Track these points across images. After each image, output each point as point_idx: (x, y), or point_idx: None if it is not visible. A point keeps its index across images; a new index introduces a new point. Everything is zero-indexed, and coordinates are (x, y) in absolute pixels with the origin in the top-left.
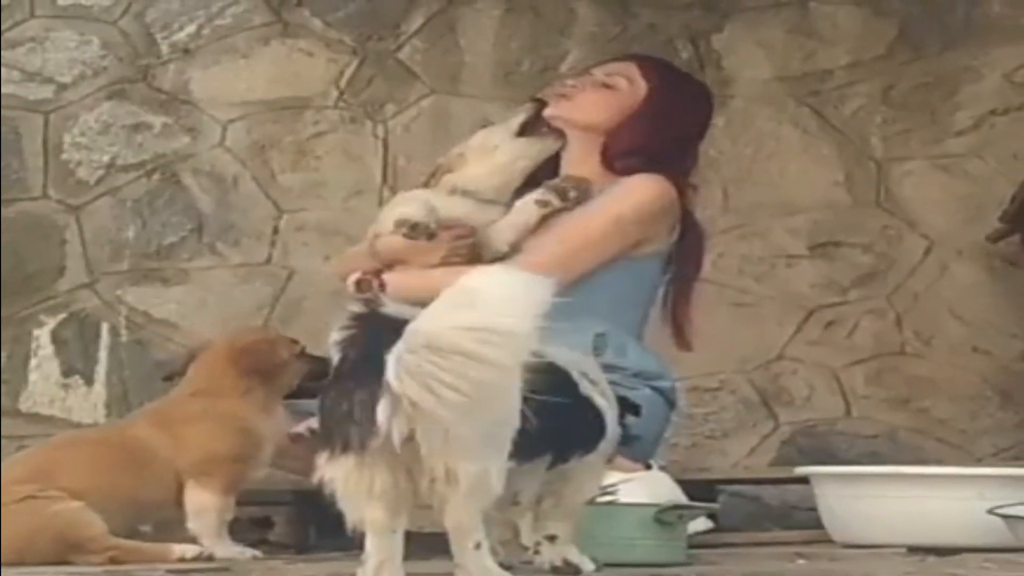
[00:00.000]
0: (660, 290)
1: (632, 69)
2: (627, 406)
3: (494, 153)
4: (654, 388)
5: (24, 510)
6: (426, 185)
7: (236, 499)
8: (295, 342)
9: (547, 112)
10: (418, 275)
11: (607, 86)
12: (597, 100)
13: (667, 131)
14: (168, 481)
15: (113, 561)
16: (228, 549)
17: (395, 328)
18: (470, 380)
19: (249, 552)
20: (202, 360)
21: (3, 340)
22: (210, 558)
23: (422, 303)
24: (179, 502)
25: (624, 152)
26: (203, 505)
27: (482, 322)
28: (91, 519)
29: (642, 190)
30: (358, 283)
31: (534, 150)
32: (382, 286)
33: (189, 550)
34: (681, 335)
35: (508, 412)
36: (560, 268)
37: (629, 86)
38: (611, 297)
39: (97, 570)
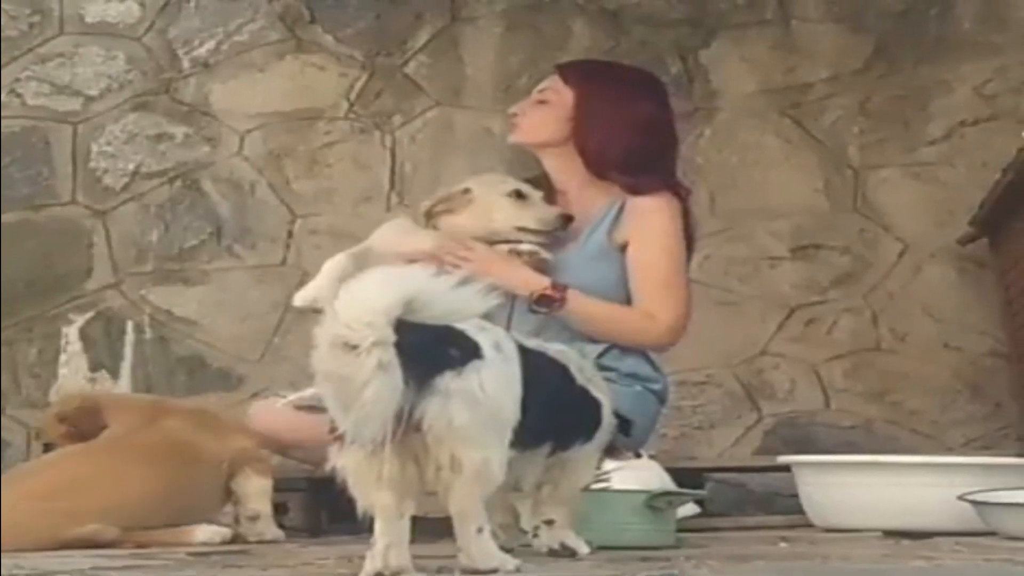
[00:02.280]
0: None
1: (556, 80)
2: (619, 420)
3: (495, 211)
4: (645, 388)
5: (43, 529)
6: (428, 213)
7: None
8: None
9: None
10: (597, 304)
11: (541, 102)
12: (536, 118)
13: (614, 126)
14: (215, 476)
15: (141, 546)
16: (275, 531)
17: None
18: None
19: (282, 534)
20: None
21: (34, 337)
22: (233, 540)
23: (593, 326)
24: (223, 496)
25: (597, 160)
26: (263, 488)
27: (325, 338)
28: (109, 531)
29: (667, 213)
30: (541, 297)
31: (532, 215)
32: (563, 301)
33: (217, 533)
34: None
35: (502, 404)
36: (684, 310)
37: (557, 97)
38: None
39: (122, 552)
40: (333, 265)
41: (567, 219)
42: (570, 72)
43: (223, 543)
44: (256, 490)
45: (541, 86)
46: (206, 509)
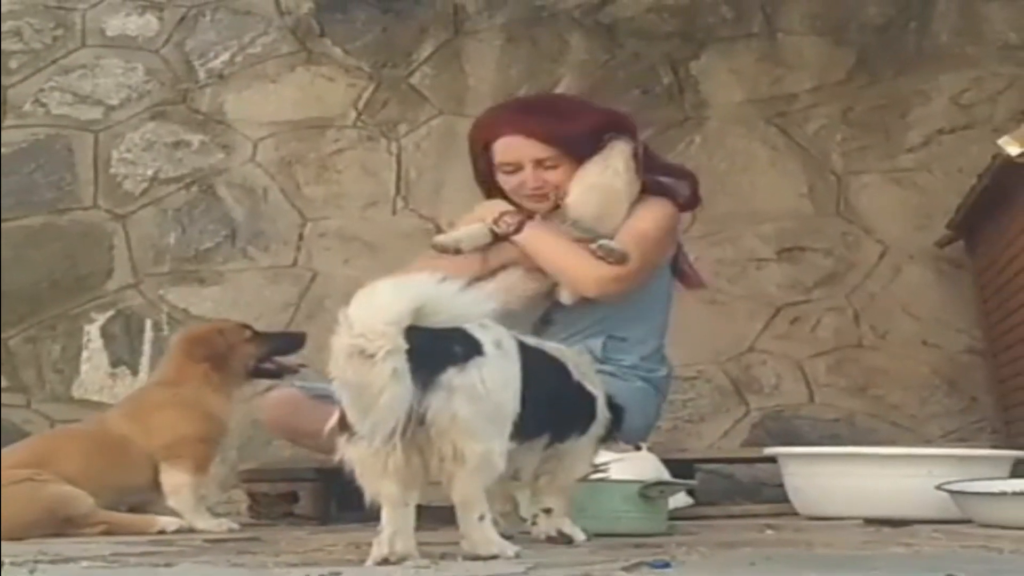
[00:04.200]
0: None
1: (520, 140)
2: (612, 407)
3: (609, 189)
4: (645, 380)
5: (23, 491)
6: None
7: (262, 477)
8: (245, 327)
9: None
10: (551, 238)
11: (550, 167)
12: (560, 178)
13: (582, 128)
14: (143, 465)
15: (104, 533)
16: (207, 522)
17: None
18: (348, 396)
19: (226, 524)
20: (166, 353)
21: (58, 334)
22: (191, 530)
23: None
24: (155, 484)
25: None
26: (178, 484)
27: (341, 348)
28: (80, 497)
29: (664, 208)
30: (499, 218)
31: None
32: (520, 225)
33: (171, 523)
34: (693, 280)
35: (502, 398)
36: (628, 273)
37: (556, 159)
38: (631, 301)
39: (140, 539)
40: (478, 229)
41: None
42: (522, 125)
43: (177, 532)
44: (171, 486)
45: (531, 155)
46: (137, 496)
